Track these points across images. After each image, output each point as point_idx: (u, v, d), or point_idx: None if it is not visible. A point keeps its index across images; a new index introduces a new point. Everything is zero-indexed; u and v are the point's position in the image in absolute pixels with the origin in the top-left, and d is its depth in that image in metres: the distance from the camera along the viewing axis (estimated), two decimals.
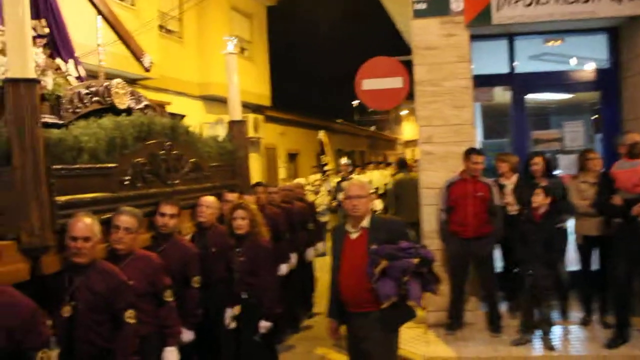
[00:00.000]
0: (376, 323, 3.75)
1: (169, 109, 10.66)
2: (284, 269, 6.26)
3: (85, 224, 3.38)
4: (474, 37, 6.43)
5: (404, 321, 3.94)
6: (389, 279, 3.66)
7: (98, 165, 3.82)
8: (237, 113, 6.18)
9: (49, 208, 3.27)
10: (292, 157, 19.45)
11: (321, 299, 7.60)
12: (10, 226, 3.14)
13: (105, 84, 4.55)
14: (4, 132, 3.19)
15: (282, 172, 17.69)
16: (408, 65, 6.60)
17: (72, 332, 3.33)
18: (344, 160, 11.90)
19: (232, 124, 6.18)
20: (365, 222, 3.88)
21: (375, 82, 6.75)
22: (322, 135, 13.24)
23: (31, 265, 3.23)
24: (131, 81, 10.60)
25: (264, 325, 4.67)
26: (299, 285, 7.03)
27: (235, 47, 6.20)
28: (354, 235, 3.91)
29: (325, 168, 12.46)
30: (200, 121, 13.01)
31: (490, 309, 6.02)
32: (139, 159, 4.29)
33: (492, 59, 7.05)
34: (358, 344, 3.87)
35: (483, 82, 6.78)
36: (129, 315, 3.46)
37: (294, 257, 6.63)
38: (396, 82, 6.73)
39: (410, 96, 6.84)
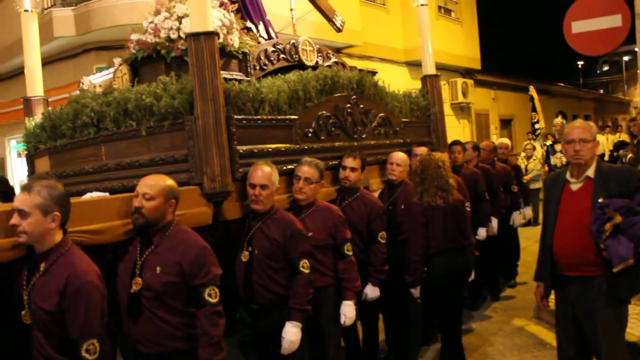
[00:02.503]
0: (601, 291, 3.19)
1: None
2: (482, 232, 5.89)
3: (264, 171, 3.45)
4: None
5: (636, 291, 3.34)
6: (623, 238, 3.08)
7: (280, 117, 3.90)
8: (431, 67, 5.91)
9: (229, 155, 3.40)
10: (506, 123, 18.43)
11: (527, 269, 7.09)
12: (194, 172, 3.33)
13: (292, 41, 4.62)
14: (189, 84, 3.37)
15: (494, 140, 16.87)
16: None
17: (250, 276, 3.45)
18: (558, 120, 10.89)
19: (426, 78, 5.93)
20: (591, 171, 3.29)
21: (587, 23, 5.92)
22: (532, 90, 12.36)
23: (214, 210, 3.41)
24: (336, 50, 10.85)
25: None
26: (501, 252, 6.59)
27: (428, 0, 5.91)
28: (575, 187, 3.34)
29: (537, 127, 11.56)
30: (406, 88, 12.90)
31: None
32: (323, 112, 4.30)
33: None
34: (573, 315, 3.34)
35: None
36: (304, 265, 3.47)
37: (494, 222, 6.20)
38: (614, 21, 5.83)
39: (630, 37, 5.91)
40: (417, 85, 13.13)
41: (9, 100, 10.56)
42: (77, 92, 9.33)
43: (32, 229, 2.48)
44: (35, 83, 4.93)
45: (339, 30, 6.18)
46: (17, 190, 10.71)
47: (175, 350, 2.88)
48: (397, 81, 11.99)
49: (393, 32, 12.88)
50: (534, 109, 12.26)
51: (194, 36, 3.31)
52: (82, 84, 9.65)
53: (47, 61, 9.38)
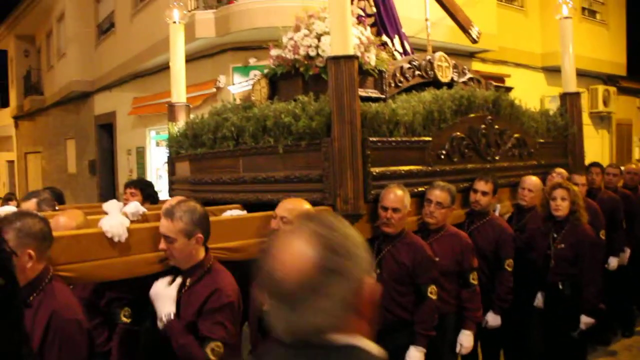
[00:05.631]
0: None
1: (508, 81, 10.39)
2: (613, 262, 5.49)
3: (397, 195, 3.46)
4: None
5: None
6: None
7: (414, 139, 3.87)
8: (571, 84, 5.59)
9: (363, 178, 3.43)
10: None
11: None
12: (328, 193, 3.39)
13: (428, 57, 4.56)
14: (327, 106, 3.43)
15: (637, 153, 15.68)
16: None
17: None
18: None
19: (565, 96, 5.62)
20: None
21: None
22: None
23: None
24: (468, 55, 10.57)
25: (586, 321, 4.18)
26: (635, 283, 6.11)
27: (571, 11, 5.59)
28: None
29: None
30: (542, 94, 12.32)
31: None
32: (457, 133, 4.21)
33: None
34: None
35: None
36: (431, 291, 3.44)
37: (627, 252, 5.76)
38: None
39: None
40: (553, 92, 12.54)
41: (151, 94, 11.27)
42: (214, 90, 9.84)
43: (179, 253, 2.64)
44: (179, 90, 5.22)
45: (474, 41, 6.01)
46: (154, 182, 11.54)
47: None
48: (532, 87, 11.57)
49: (530, 35, 12.29)
50: None
51: (334, 59, 3.36)
52: (218, 82, 10.15)
53: (187, 59, 9.92)
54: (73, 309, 2.24)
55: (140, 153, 12.57)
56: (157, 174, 11.65)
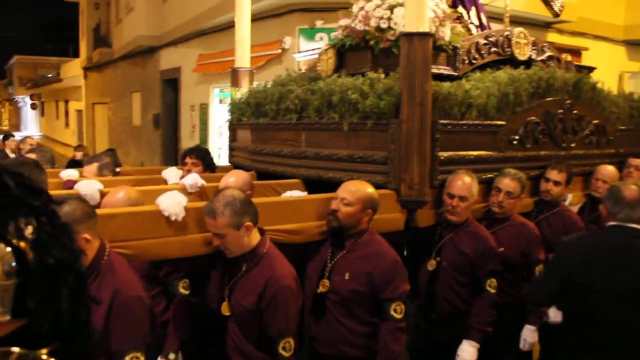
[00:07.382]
0: None
1: (586, 55, 9.83)
2: None
3: (464, 182, 3.29)
4: None
5: None
6: None
7: (486, 122, 3.65)
8: None
9: (430, 163, 3.27)
10: None
11: None
12: (392, 177, 3.24)
13: (506, 33, 4.28)
14: (397, 85, 3.26)
15: None
16: None
17: (434, 286, 3.34)
18: None
19: None
20: None
21: None
22: None
23: (407, 216, 3.32)
24: (545, 25, 10.05)
25: None
26: None
27: None
28: None
29: None
30: (621, 69, 11.65)
31: None
32: (532, 118, 3.96)
33: None
34: None
35: None
36: (490, 284, 3.29)
37: None
38: None
39: None
40: (634, 67, 11.80)
41: (217, 51, 11.26)
42: (279, 51, 9.67)
43: (232, 245, 2.59)
44: (243, 54, 5.09)
45: (556, 14, 5.67)
46: (216, 139, 11.54)
47: (352, 357, 2.90)
48: (611, 62, 10.92)
49: (613, 6, 11.56)
50: None
51: (408, 36, 3.17)
52: (284, 43, 9.99)
53: (253, 19, 9.79)
54: (134, 285, 2.24)
55: (204, 109, 12.67)
56: (219, 131, 11.74)
